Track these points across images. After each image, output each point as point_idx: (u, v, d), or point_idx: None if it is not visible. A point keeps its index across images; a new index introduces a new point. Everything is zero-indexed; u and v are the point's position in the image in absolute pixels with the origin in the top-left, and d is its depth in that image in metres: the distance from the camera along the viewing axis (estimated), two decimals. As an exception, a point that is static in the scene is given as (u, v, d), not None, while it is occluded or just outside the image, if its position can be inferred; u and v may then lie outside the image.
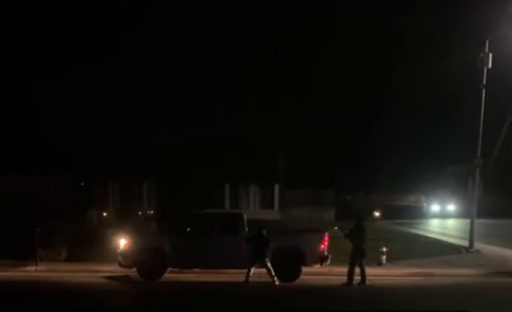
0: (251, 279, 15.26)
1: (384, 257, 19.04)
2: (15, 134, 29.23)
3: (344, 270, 15.29)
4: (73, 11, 39.71)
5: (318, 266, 16.30)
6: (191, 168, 28.68)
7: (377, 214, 35.49)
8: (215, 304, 12.37)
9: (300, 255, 16.00)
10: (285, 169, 32.61)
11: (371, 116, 44.28)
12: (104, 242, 18.64)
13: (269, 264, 15.44)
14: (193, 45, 45.97)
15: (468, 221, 23.55)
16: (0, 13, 34.54)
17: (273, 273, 15.41)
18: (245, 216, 16.93)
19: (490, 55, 21.76)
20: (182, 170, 28.88)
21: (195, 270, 16.93)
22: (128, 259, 16.27)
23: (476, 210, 23.20)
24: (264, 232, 15.67)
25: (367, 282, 15.13)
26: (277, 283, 15.35)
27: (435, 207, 42.73)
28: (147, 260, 15.99)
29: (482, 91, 22.19)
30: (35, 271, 17.87)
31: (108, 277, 16.63)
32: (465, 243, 22.91)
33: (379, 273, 17.44)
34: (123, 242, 16.51)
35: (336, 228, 16.30)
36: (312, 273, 16.49)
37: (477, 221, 23.30)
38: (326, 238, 16.34)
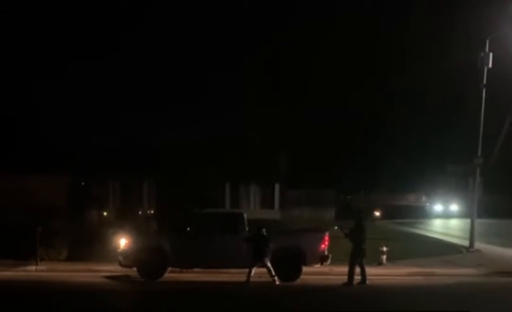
0: (251, 279, 15.26)
1: (384, 257, 19.04)
2: (15, 134, 29.22)
3: (345, 269, 15.29)
4: (72, 11, 39.72)
5: (318, 265, 16.30)
6: (191, 167, 28.67)
7: (377, 213, 35.49)
8: (215, 304, 12.37)
9: (300, 255, 16.00)
10: (285, 169, 32.62)
11: (371, 115, 44.26)
12: (105, 241, 18.64)
13: (269, 264, 15.44)
14: (193, 45, 45.94)
15: (479, 221, 23.57)
16: (0, 13, 34.54)
17: (273, 273, 15.41)
18: (245, 215, 16.93)
19: (491, 55, 21.76)
20: (182, 170, 28.87)
21: (195, 269, 16.92)
22: (128, 259, 16.27)
23: (477, 210, 23.20)
24: (264, 232, 15.67)
25: (367, 282, 15.13)
26: (277, 282, 15.35)
27: (437, 207, 42.43)
28: (148, 260, 15.99)
29: (482, 91, 22.18)
30: (35, 271, 17.87)
31: (108, 277, 16.63)
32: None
33: (379, 273, 17.44)
34: (123, 242, 16.51)
35: (336, 228, 16.31)
36: (313, 273, 16.50)
37: (479, 221, 23.31)
38: (326, 237, 16.34)
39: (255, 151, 32.20)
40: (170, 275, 16.47)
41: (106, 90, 38.55)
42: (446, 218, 38.31)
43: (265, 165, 31.26)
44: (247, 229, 16.40)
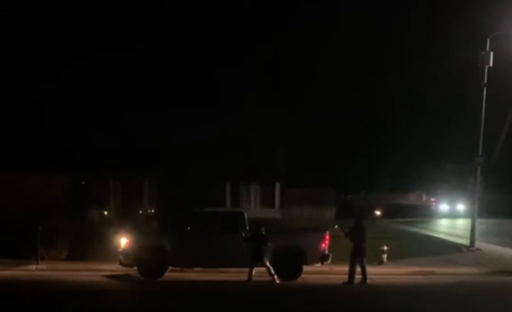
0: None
1: (385, 256, 19.04)
2: (16, 133, 29.20)
3: (345, 268, 15.29)
4: (75, 11, 39.75)
5: (318, 265, 16.29)
6: (192, 167, 28.65)
7: (377, 212, 35.51)
8: (216, 303, 12.36)
9: (301, 254, 15.99)
10: (286, 168, 32.60)
11: (371, 115, 44.28)
12: (105, 240, 18.63)
13: (268, 263, 15.43)
14: (194, 46, 46.00)
15: (480, 221, 23.55)
16: (1, 14, 34.56)
17: (272, 272, 15.41)
18: (246, 214, 16.93)
19: (492, 54, 21.76)
20: (183, 169, 28.86)
21: (196, 268, 16.91)
22: (129, 258, 16.27)
23: (480, 210, 23.21)
24: (263, 231, 15.66)
25: (368, 281, 15.12)
26: (277, 281, 15.35)
27: (443, 207, 41.92)
28: (148, 259, 15.99)
29: (483, 90, 22.19)
30: (36, 270, 17.87)
31: (109, 276, 16.62)
32: (478, 245, 22.86)
33: (380, 272, 17.43)
34: (124, 241, 16.50)
35: (336, 227, 16.31)
36: (313, 272, 16.49)
37: (483, 221, 23.24)
38: (327, 237, 16.33)
39: (255, 150, 32.18)
40: (171, 274, 16.46)
41: (106, 89, 38.62)
42: (452, 217, 37.95)
43: (265, 164, 31.23)
44: (247, 228, 16.39)
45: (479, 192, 23.74)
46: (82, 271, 17.64)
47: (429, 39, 42.03)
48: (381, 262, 18.83)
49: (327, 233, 16.46)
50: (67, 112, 34.74)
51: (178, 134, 34.43)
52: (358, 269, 15.16)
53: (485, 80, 22.12)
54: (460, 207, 40.41)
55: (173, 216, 22.61)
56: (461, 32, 32.56)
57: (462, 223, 24.18)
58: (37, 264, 18.16)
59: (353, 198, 42.42)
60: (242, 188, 31.28)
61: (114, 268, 16.95)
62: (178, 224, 18.20)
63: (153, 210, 29.13)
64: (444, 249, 22.55)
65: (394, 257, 19.57)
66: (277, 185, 31.87)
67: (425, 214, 40.40)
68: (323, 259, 16.19)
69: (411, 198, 50.17)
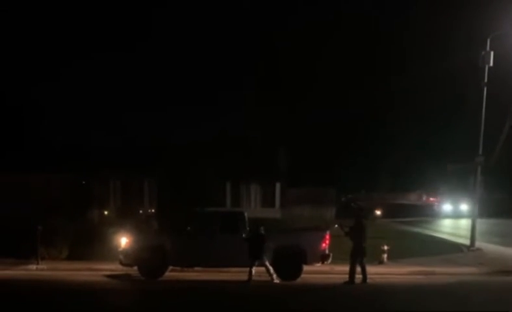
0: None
1: (385, 256, 19.04)
2: (16, 133, 29.22)
3: (346, 268, 15.28)
4: (75, 11, 39.76)
5: (319, 264, 16.29)
6: (192, 166, 28.67)
7: (378, 212, 35.48)
8: (216, 303, 12.35)
9: (301, 254, 15.99)
10: (286, 168, 32.60)
11: (371, 115, 44.30)
12: (106, 240, 18.64)
13: (267, 263, 15.42)
14: (194, 46, 46.02)
15: (481, 221, 23.52)
16: (1, 14, 34.58)
17: (271, 272, 15.41)
18: (246, 214, 16.93)
19: (492, 53, 21.76)
20: (183, 169, 28.87)
21: (196, 268, 16.90)
22: (129, 258, 16.27)
23: (484, 210, 23.19)
24: (262, 230, 15.66)
25: (368, 280, 15.11)
26: (276, 281, 15.34)
27: (447, 207, 41.23)
28: (148, 259, 15.99)
29: (483, 90, 22.19)
30: (36, 269, 17.88)
31: (109, 276, 16.62)
32: (479, 244, 22.85)
33: (380, 272, 17.43)
34: (124, 241, 16.51)
35: (336, 226, 16.31)
36: (314, 272, 16.49)
37: (488, 221, 23.15)
38: (327, 236, 16.33)
39: (255, 150, 32.21)
40: (171, 274, 16.46)
41: (106, 89, 38.67)
42: (455, 218, 37.43)
43: (266, 164, 31.24)
44: (248, 228, 16.39)
45: (481, 192, 23.74)
46: (82, 271, 17.64)
47: (429, 39, 42.08)
48: (381, 262, 18.82)
49: (328, 232, 16.46)
50: (67, 112, 34.81)
51: (178, 134, 34.49)
52: (358, 269, 15.15)
53: (485, 80, 22.12)
54: (464, 207, 39.80)
55: (173, 215, 22.61)
56: (461, 32, 32.59)
57: (465, 224, 24.07)
58: (37, 263, 18.16)
59: (352, 198, 42.38)
60: (242, 188, 31.28)
61: (114, 267, 16.95)
62: (178, 224, 18.21)
63: (153, 210, 29.13)
64: (444, 249, 22.53)
65: (394, 256, 19.56)
66: (277, 185, 31.87)
67: (428, 214, 40.10)
68: (323, 258, 16.19)
69: (411, 198, 50.13)
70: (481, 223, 24.17)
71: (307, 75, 42.26)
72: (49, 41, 39.85)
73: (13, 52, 34.05)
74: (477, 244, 22.84)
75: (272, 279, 15.33)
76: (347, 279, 14.98)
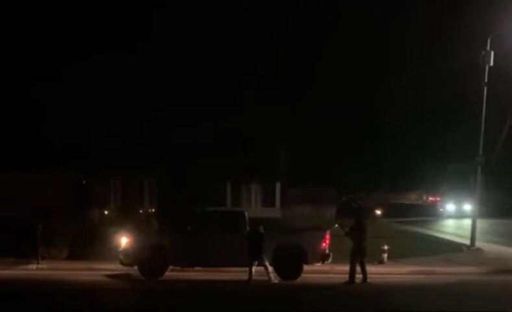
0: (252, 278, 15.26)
1: (385, 255, 19.02)
2: (16, 133, 29.22)
3: (346, 268, 15.26)
4: (75, 11, 39.79)
5: (319, 264, 16.28)
6: (192, 166, 28.67)
7: (378, 212, 35.45)
8: (216, 302, 12.35)
9: (301, 253, 15.98)
10: (286, 168, 32.62)
11: (371, 115, 44.32)
12: (106, 240, 18.62)
13: (266, 262, 15.41)
14: (194, 45, 46.04)
15: (482, 220, 23.52)
16: (1, 14, 34.60)
17: (269, 270, 15.40)
18: (246, 214, 16.92)
19: (492, 53, 21.75)
20: (183, 169, 28.88)
21: (196, 268, 16.89)
22: (129, 257, 16.25)
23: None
24: (261, 229, 15.66)
25: (368, 280, 15.10)
26: (274, 281, 15.31)
27: (450, 207, 40.47)
28: (149, 259, 15.97)
29: (484, 89, 22.19)
30: (36, 269, 17.87)
31: (109, 276, 16.61)
32: (479, 244, 22.84)
33: (380, 272, 17.42)
34: (124, 240, 16.49)
35: (336, 226, 16.29)
36: (314, 272, 16.48)
37: (489, 221, 23.04)
38: (327, 236, 16.32)
39: (255, 150, 32.21)
40: (171, 273, 16.45)
41: (106, 89, 38.64)
42: (459, 218, 36.81)
43: (266, 164, 31.24)
44: (248, 227, 16.37)
45: (481, 191, 23.73)
46: (82, 270, 17.63)
47: (430, 39, 42.12)
48: (381, 262, 18.81)
49: (328, 232, 16.45)
50: (67, 112, 34.78)
51: (178, 134, 34.47)
52: (358, 268, 15.14)
53: (486, 80, 22.11)
54: (467, 207, 39.16)
55: (173, 215, 22.61)
56: (462, 31, 32.60)
57: (467, 224, 23.90)
58: (37, 263, 18.16)
59: (353, 197, 42.35)
60: (242, 187, 31.31)
61: (115, 267, 16.94)
62: (178, 224, 18.19)
63: (153, 210, 29.15)
64: (444, 248, 22.52)
65: (395, 256, 19.55)
66: (278, 185, 31.89)
67: (431, 214, 39.75)
68: (323, 258, 16.18)
69: (412, 197, 50.15)
70: (482, 223, 24.17)
71: (307, 75, 42.30)
72: (49, 41, 39.87)
73: (13, 52, 34.09)
74: (478, 243, 22.83)
75: (269, 279, 15.31)
76: (347, 279, 14.96)
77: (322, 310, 11.58)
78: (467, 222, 24.50)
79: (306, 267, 16.08)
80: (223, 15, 47.25)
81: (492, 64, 21.84)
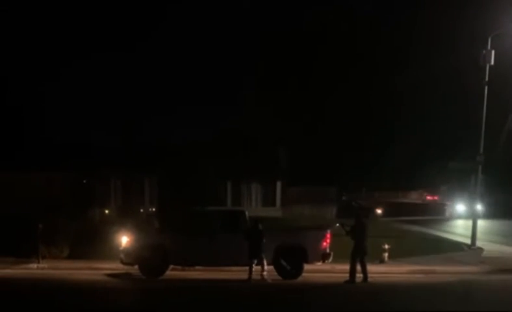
0: (252, 277, 15.25)
1: (386, 254, 19.02)
2: (17, 132, 29.23)
3: (346, 267, 15.25)
4: (75, 11, 39.79)
5: (320, 263, 16.27)
6: (192, 166, 28.68)
7: (378, 211, 35.47)
8: (217, 301, 12.34)
9: (302, 253, 15.97)
10: (287, 167, 32.63)
11: (372, 114, 44.29)
12: (106, 239, 18.63)
13: (264, 260, 15.40)
14: (194, 46, 46.06)
15: (483, 220, 23.47)
16: (1, 14, 34.60)
17: (265, 268, 15.39)
18: (247, 213, 16.92)
19: (493, 52, 21.76)
20: (183, 168, 28.88)
21: (197, 267, 16.89)
22: (130, 256, 16.24)
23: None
24: (261, 226, 15.66)
25: (369, 279, 15.09)
26: (265, 278, 15.28)
27: (459, 207, 39.57)
28: (149, 258, 15.96)
29: (484, 88, 22.19)
30: (37, 268, 17.88)
31: (110, 275, 16.61)
32: (480, 244, 22.81)
33: (381, 271, 17.42)
34: (125, 240, 16.48)
35: (337, 225, 16.29)
36: (315, 271, 16.47)
37: (490, 221, 22.88)
38: (328, 235, 16.31)
39: (255, 149, 32.23)
40: (172, 273, 16.45)
41: (107, 89, 38.67)
42: (465, 218, 35.96)
43: (266, 163, 31.26)
44: (248, 227, 16.36)
45: (482, 191, 23.74)
46: (83, 269, 17.63)
47: (430, 38, 42.08)
48: (382, 261, 18.81)
49: (328, 231, 16.44)
50: (68, 112, 34.82)
51: (178, 134, 34.51)
52: (359, 268, 15.13)
53: (486, 79, 22.11)
54: (478, 208, 38.03)
55: (173, 214, 22.60)
56: (462, 31, 32.59)
57: (479, 225, 23.71)
58: (38, 262, 18.16)
59: (353, 197, 42.37)
60: (243, 187, 31.33)
61: (115, 266, 16.93)
62: (179, 223, 18.19)
63: (153, 209, 29.15)
64: (445, 248, 22.53)
65: (395, 255, 19.54)
66: (278, 184, 31.90)
67: (434, 213, 39.33)
68: (324, 257, 16.16)
69: (412, 197, 50.17)
70: (483, 223, 24.14)
71: (307, 75, 42.29)
72: (49, 41, 39.84)
73: (13, 51, 34.07)
74: (479, 243, 22.84)
75: (263, 277, 15.29)
76: (348, 278, 14.96)
77: (323, 309, 11.57)
78: (470, 222, 24.40)
79: (307, 266, 16.07)
80: (223, 15, 47.30)
81: (492, 63, 21.86)
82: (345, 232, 15.38)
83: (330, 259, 16.29)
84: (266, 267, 15.45)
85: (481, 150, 22.55)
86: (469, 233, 23.13)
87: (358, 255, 15.11)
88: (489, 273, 17.77)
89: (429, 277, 17.10)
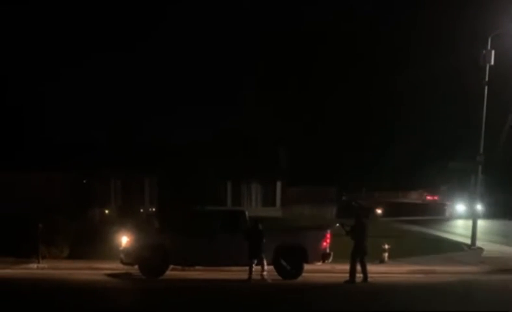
0: (252, 277, 15.25)
1: (386, 254, 19.02)
2: (17, 132, 29.23)
3: (346, 267, 15.25)
4: (75, 11, 39.82)
5: (320, 263, 16.26)
6: (192, 166, 28.69)
7: (378, 211, 35.46)
8: (217, 301, 12.34)
9: (302, 253, 15.97)
10: (287, 167, 32.63)
11: (372, 114, 44.30)
12: (107, 239, 18.63)
13: (264, 260, 15.40)
14: (194, 46, 46.09)
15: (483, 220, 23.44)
16: (1, 14, 34.63)
17: (265, 268, 15.39)
18: (247, 213, 16.92)
19: (493, 52, 21.76)
20: (183, 168, 28.88)
21: (197, 267, 16.89)
22: (130, 256, 16.24)
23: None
24: (260, 226, 15.66)
25: (369, 279, 15.09)
26: (265, 278, 15.28)
27: (460, 207, 39.38)
28: (149, 258, 15.96)
29: (484, 88, 22.18)
30: (37, 268, 17.87)
31: (110, 275, 16.61)
32: (480, 244, 22.79)
33: (381, 271, 17.42)
34: (125, 240, 16.48)
35: (337, 225, 16.29)
36: (315, 271, 16.47)
37: (490, 221, 22.80)
38: (328, 235, 16.31)
39: (255, 149, 32.24)
40: (172, 273, 16.45)
41: (107, 89, 38.69)
42: (466, 218, 35.74)
43: (266, 163, 31.27)
44: (248, 227, 16.36)
45: (482, 191, 23.74)
46: (83, 269, 17.63)
47: (430, 38, 42.10)
48: (382, 261, 18.81)
49: (328, 231, 16.44)
50: (68, 112, 34.82)
51: (178, 134, 34.49)
52: (359, 268, 15.13)
53: (486, 79, 22.11)
54: (478, 207, 37.88)
55: (173, 214, 22.60)
56: (463, 31, 32.60)
57: (479, 225, 23.65)
58: (38, 262, 18.15)
59: (349, 197, 42.35)
60: (243, 187, 31.32)
61: (115, 266, 16.93)
62: (179, 223, 18.20)
63: (153, 209, 29.14)
64: (445, 248, 22.53)
65: (395, 255, 19.54)
66: (278, 184, 31.90)
67: (434, 213, 39.31)
68: (324, 257, 16.16)
69: (412, 197, 50.16)
70: (483, 223, 24.13)
71: (307, 75, 42.30)
72: (49, 41, 39.89)
73: (14, 51, 34.09)
74: (479, 243, 22.83)
75: (262, 277, 15.30)
76: (348, 278, 14.96)
77: (323, 309, 11.57)
78: (478, 223, 24.36)
79: (307, 266, 16.07)
80: (223, 15, 47.32)
81: (492, 63, 21.87)
82: (346, 232, 15.38)
83: (330, 259, 16.29)
84: (266, 267, 15.45)
85: (481, 150, 22.55)
86: (469, 233, 23.12)
87: (359, 255, 15.11)
88: (489, 273, 17.77)
89: (429, 277, 17.09)
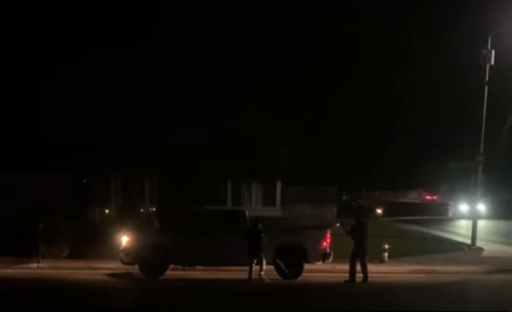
0: (252, 277, 15.24)
1: (386, 254, 19.01)
2: (17, 132, 29.24)
3: (346, 267, 15.23)
4: (75, 11, 39.82)
5: (320, 263, 16.25)
6: (193, 165, 28.69)
7: (379, 211, 35.44)
8: (217, 301, 12.34)
9: (302, 252, 15.96)
10: (287, 167, 32.64)
11: (372, 113, 44.31)
12: (107, 239, 18.64)
13: (264, 260, 15.40)
14: (194, 46, 46.09)
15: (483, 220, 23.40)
16: (1, 14, 34.63)
17: (263, 268, 15.39)
18: (247, 212, 16.92)
19: (493, 52, 21.74)
20: (184, 168, 28.89)
21: (197, 267, 16.89)
22: (130, 256, 16.24)
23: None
24: (260, 226, 15.65)
25: (369, 279, 15.09)
26: (263, 277, 15.27)
27: (463, 207, 39.03)
28: (149, 258, 15.96)
29: (485, 88, 22.17)
30: (37, 268, 17.87)
31: (110, 275, 16.61)
32: (481, 244, 22.79)
33: (381, 270, 17.40)
34: (125, 239, 16.48)
35: (338, 225, 16.28)
36: (315, 271, 16.46)
37: (491, 221, 22.75)
38: (328, 235, 16.30)
39: (255, 149, 32.25)
40: (172, 272, 16.45)
41: (107, 89, 38.71)
42: (469, 218, 35.20)
43: (266, 163, 31.28)
44: (248, 227, 16.35)
45: (482, 190, 23.73)
46: (83, 269, 17.63)
47: (430, 38, 42.14)
48: (382, 261, 18.80)
49: (329, 231, 16.43)
50: (68, 111, 34.82)
51: (178, 134, 34.50)
52: (359, 268, 15.13)
53: (487, 79, 22.10)
54: (481, 207, 37.51)
55: (174, 214, 22.60)
56: (463, 30, 32.57)
57: (481, 225, 23.57)
58: (38, 262, 18.16)
59: (349, 196, 42.34)
60: (243, 186, 31.33)
61: (115, 266, 16.93)
62: (179, 223, 18.20)
63: (153, 209, 29.14)
64: (445, 248, 22.51)
65: (395, 255, 19.53)
66: (278, 184, 31.89)
67: (435, 213, 39.13)
68: (324, 257, 16.15)
69: (412, 196, 50.16)
70: (483, 223, 24.11)
71: (307, 75, 42.32)
72: (49, 41, 39.92)
73: (14, 51, 34.09)
74: (479, 243, 22.82)
75: (260, 276, 15.29)
76: (348, 278, 14.96)
77: (323, 309, 11.57)
78: (480, 223, 24.33)
79: (307, 266, 16.06)
80: (223, 15, 47.33)
81: (493, 62, 21.85)
82: (346, 232, 15.37)
83: (330, 259, 16.28)
84: (264, 267, 15.45)
85: (481, 150, 22.54)
86: (469, 232, 23.11)
87: (359, 254, 15.10)
88: (489, 273, 17.75)
89: (429, 277, 17.08)
